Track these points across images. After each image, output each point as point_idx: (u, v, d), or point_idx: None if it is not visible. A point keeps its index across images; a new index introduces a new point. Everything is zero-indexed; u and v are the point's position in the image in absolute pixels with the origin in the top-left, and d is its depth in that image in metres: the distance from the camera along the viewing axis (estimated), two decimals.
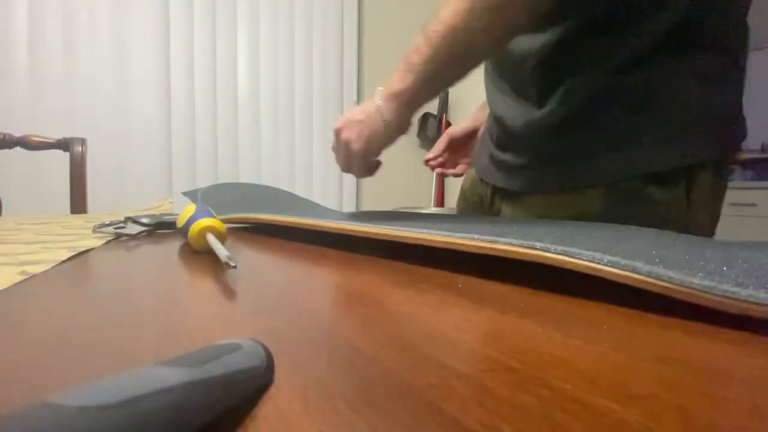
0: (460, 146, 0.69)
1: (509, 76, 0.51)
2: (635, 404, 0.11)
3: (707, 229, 0.45)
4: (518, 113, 0.49)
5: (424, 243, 0.28)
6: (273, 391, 0.12)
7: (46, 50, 1.47)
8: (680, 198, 0.42)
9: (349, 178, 2.25)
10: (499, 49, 0.44)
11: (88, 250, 0.37)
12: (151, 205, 1.01)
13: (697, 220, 0.43)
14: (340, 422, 0.10)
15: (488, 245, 0.25)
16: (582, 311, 0.19)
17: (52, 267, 0.30)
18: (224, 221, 0.52)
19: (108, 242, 0.43)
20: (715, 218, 0.45)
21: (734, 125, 0.45)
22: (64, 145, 1.10)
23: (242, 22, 1.88)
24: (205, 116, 1.80)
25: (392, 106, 0.44)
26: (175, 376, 0.09)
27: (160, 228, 0.52)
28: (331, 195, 2.10)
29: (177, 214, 0.50)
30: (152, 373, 0.09)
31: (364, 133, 0.45)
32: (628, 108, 0.42)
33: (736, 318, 0.17)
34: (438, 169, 0.71)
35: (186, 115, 1.75)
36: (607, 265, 0.20)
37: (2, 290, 0.23)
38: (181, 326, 0.18)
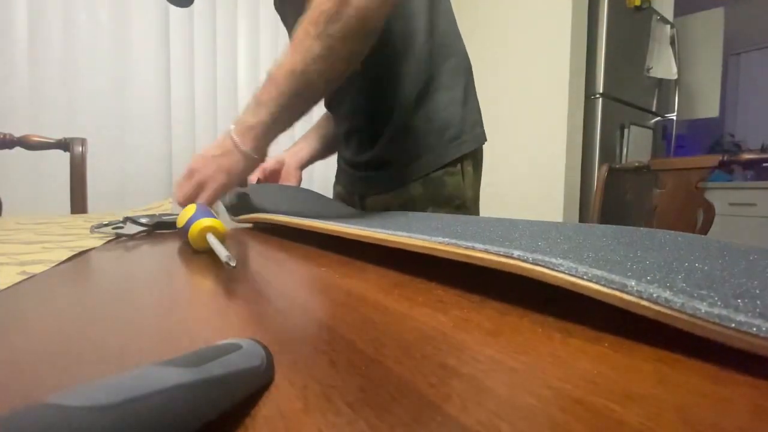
0: (269, 176, 0.84)
1: (352, 135, 0.77)
2: (635, 404, 0.11)
3: (473, 202, 0.72)
4: (361, 153, 0.75)
5: (402, 246, 0.28)
6: (273, 391, 0.12)
7: (46, 50, 1.47)
8: (459, 181, 0.68)
9: None
10: (333, 88, 0.56)
11: (88, 250, 0.37)
12: (151, 205, 1.01)
13: (467, 194, 0.69)
14: (340, 422, 0.10)
15: (463, 251, 0.23)
16: (582, 311, 0.19)
17: (52, 267, 0.30)
18: (241, 221, 0.53)
19: (108, 242, 0.43)
20: (476, 193, 0.72)
21: (477, 130, 0.71)
22: (64, 145, 1.10)
23: (242, 23, 1.88)
24: (205, 116, 1.80)
25: (248, 138, 0.51)
26: (175, 376, 0.09)
27: (159, 228, 0.51)
28: (330, 194, 2.11)
29: (176, 214, 0.50)
30: (152, 373, 0.09)
31: (224, 165, 0.50)
32: (423, 133, 0.67)
33: None
34: None
35: (186, 115, 1.75)
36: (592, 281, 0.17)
37: (2, 290, 0.23)
38: (181, 326, 0.18)
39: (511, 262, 0.20)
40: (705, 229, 1.00)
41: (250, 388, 0.12)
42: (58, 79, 1.51)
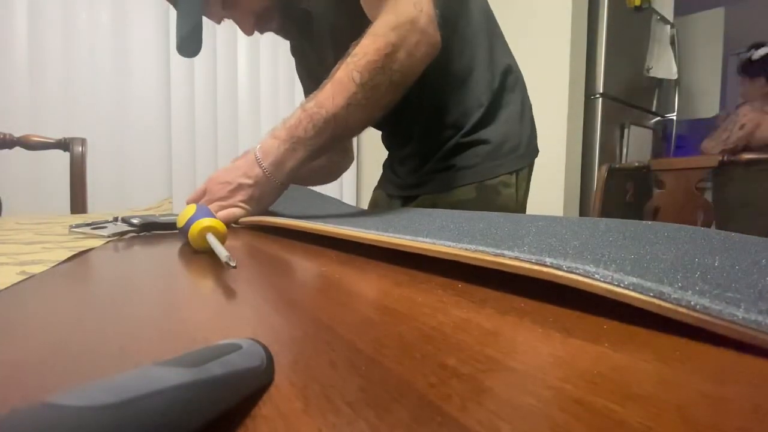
0: None
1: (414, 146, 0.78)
2: (635, 404, 0.11)
3: (523, 206, 0.73)
4: (416, 171, 0.76)
5: (428, 253, 0.27)
6: (273, 391, 0.12)
7: (46, 50, 1.47)
8: (513, 193, 0.69)
9: (348, 176, 2.25)
10: (366, 128, 0.60)
11: (88, 250, 0.37)
12: (151, 204, 1.01)
13: (518, 200, 0.71)
14: (340, 422, 0.10)
15: (492, 258, 0.23)
16: (582, 311, 0.19)
17: (52, 267, 0.30)
18: (243, 223, 0.53)
19: (108, 242, 0.43)
20: (523, 209, 0.74)
21: (532, 144, 0.73)
22: (64, 145, 1.10)
23: None
24: (205, 117, 1.80)
25: (283, 172, 0.54)
26: (175, 376, 0.09)
27: (147, 229, 0.49)
28: (329, 191, 2.11)
29: (170, 214, 0.50)
30: (152, 373, 0.09)
31: (255, 194, 0.53)
32: (481, 147, 0.69)
33: None
34: None
35: (186, 115, 1.75)
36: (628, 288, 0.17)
37: (2, 290, 0.23)
38: (181, 326, 0.18)
39: (545, 269, 0.20)
40: None
41: (250, 388, 0.12)
42: (58, 79, 1.51)
